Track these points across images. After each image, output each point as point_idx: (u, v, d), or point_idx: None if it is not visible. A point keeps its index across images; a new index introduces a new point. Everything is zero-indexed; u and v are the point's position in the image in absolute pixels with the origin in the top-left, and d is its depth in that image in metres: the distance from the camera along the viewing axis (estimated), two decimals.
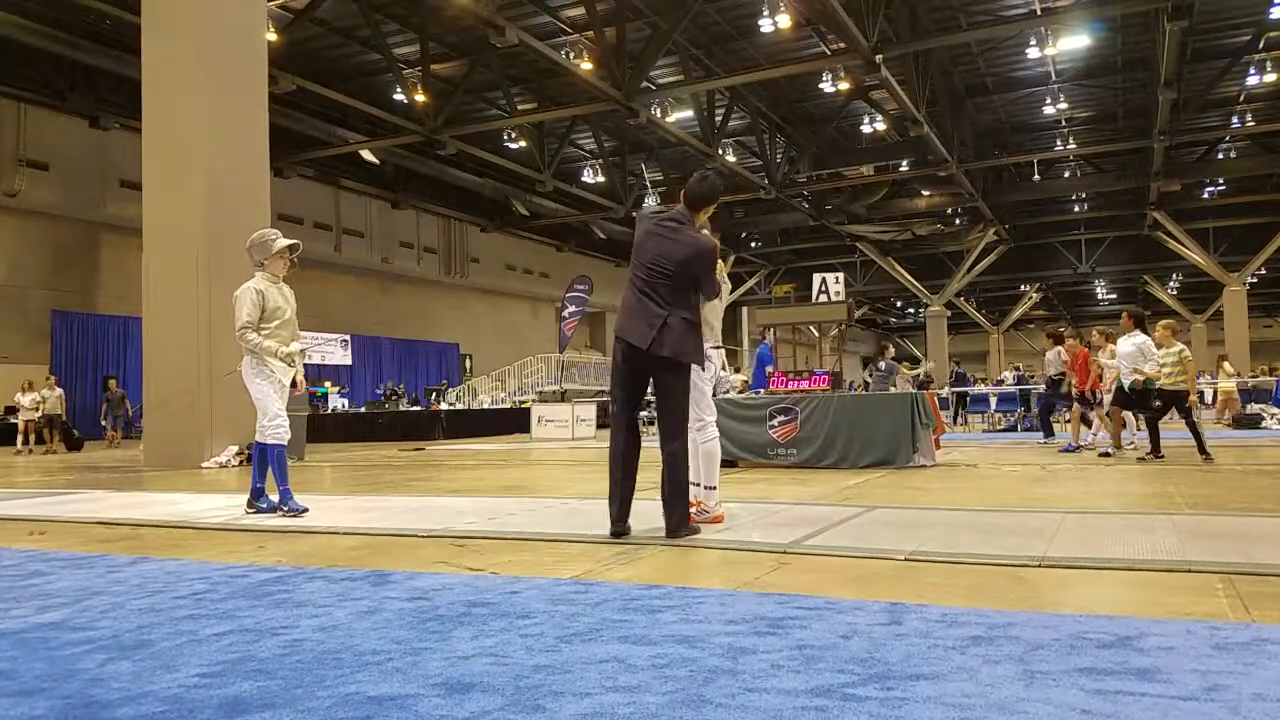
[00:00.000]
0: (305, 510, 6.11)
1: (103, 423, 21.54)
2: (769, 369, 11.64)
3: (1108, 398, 11.13)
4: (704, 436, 5.36)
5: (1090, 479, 8.05)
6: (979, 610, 3.03)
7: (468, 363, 36.22)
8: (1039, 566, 3.81)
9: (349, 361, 30.98)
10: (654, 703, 2.15)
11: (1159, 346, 9.91)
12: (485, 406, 28.26)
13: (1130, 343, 10.00)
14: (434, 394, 27.28)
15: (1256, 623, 2.83)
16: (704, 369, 5.09)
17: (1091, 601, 3.22)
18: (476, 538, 5.01)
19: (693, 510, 5.31)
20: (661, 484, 4.73)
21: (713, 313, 5.49)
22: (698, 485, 5.39)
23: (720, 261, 5.46)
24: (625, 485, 4.78)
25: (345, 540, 5.13)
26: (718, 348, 5.55)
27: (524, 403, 27.63)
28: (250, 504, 6.35)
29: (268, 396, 6.22)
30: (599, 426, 22.12)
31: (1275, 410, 17.98)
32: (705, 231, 5.03)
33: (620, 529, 4.73)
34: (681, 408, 4.79)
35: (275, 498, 6.27)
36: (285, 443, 6.29)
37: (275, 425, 6.22)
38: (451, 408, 25.77)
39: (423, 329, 34.34)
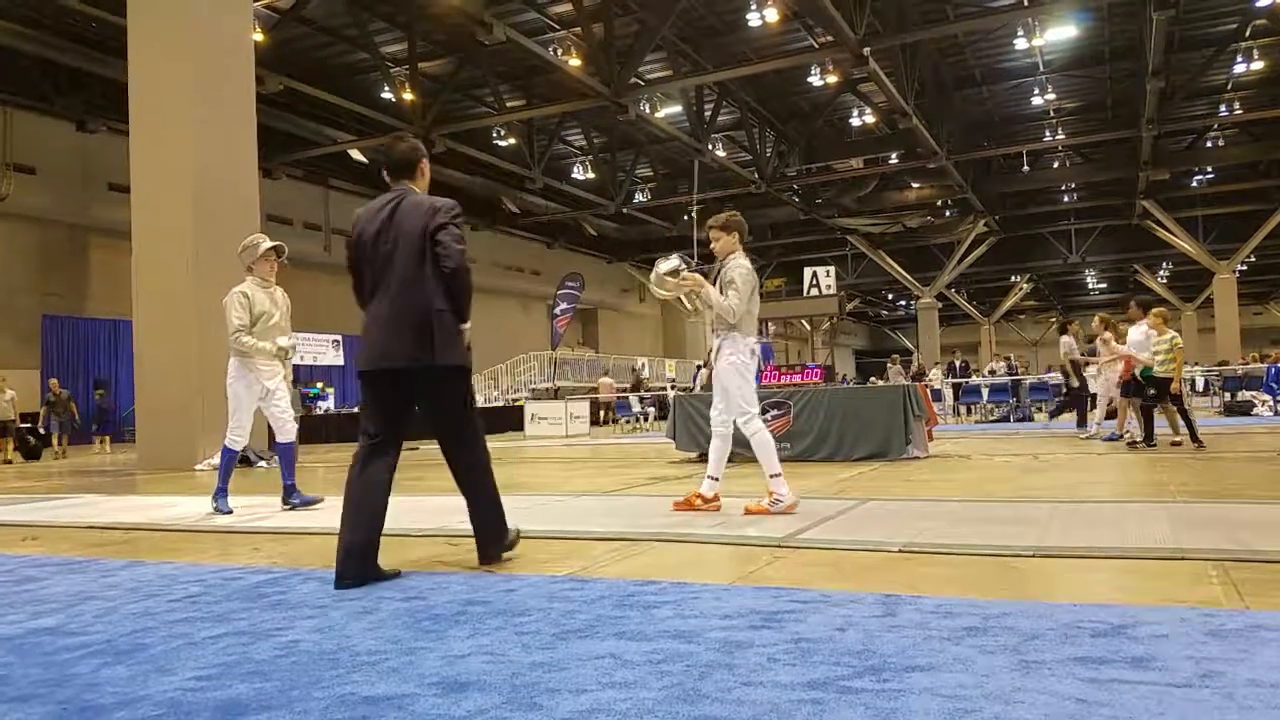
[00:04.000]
0: (230, 512, 6.36)
1: (41, 430, 19.20)
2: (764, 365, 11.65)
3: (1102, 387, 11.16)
4: (751, 429, 5.38)
5: (1083, 468, 8.08)
6: (974, 601, 3.04)
7: None
8: (1033, 556, 3.82)
9: (341, 362, 30.89)
10: (650, 698, 2.15)
11: (1152, 334, 9.97)
12: (478, 405, 28.21)
13: (1140, 331, 10.06)
14: None
15: (1250, 609, 2.84)
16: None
17: (1085, 590, 3.23)
18: (471, 536, 5.00)
19: (765, 501, 5.31)
20: (479, 507, 4.06)
21: (754, 304, 5.48)
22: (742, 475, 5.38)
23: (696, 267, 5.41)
24: (374, 523, 3.84)
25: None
26: (754, 336, 5.51)
27: (517, 401, 27.62)
28: (285, 501, 6.61)
29: (237, 400, 6.49)
30: (592, 424, 22.15)
31: (1266, 397, 18.06)
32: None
33: (358, 575, 3.72)
34: (469, 416, 4.13)
35: (310, 495, 6.67)
36: (238, 450, 6.61)
37: (239, 431, 6.52)
38: None
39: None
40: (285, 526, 5.70)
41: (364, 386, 3.99)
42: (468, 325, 4.06)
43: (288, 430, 6.67)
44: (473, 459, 4.06)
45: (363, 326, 3.97)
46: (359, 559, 3.72)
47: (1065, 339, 14.34)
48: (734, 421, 5.53)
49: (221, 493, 6.45)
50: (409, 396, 3.98)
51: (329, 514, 6.24)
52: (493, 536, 4.11)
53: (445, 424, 4.04)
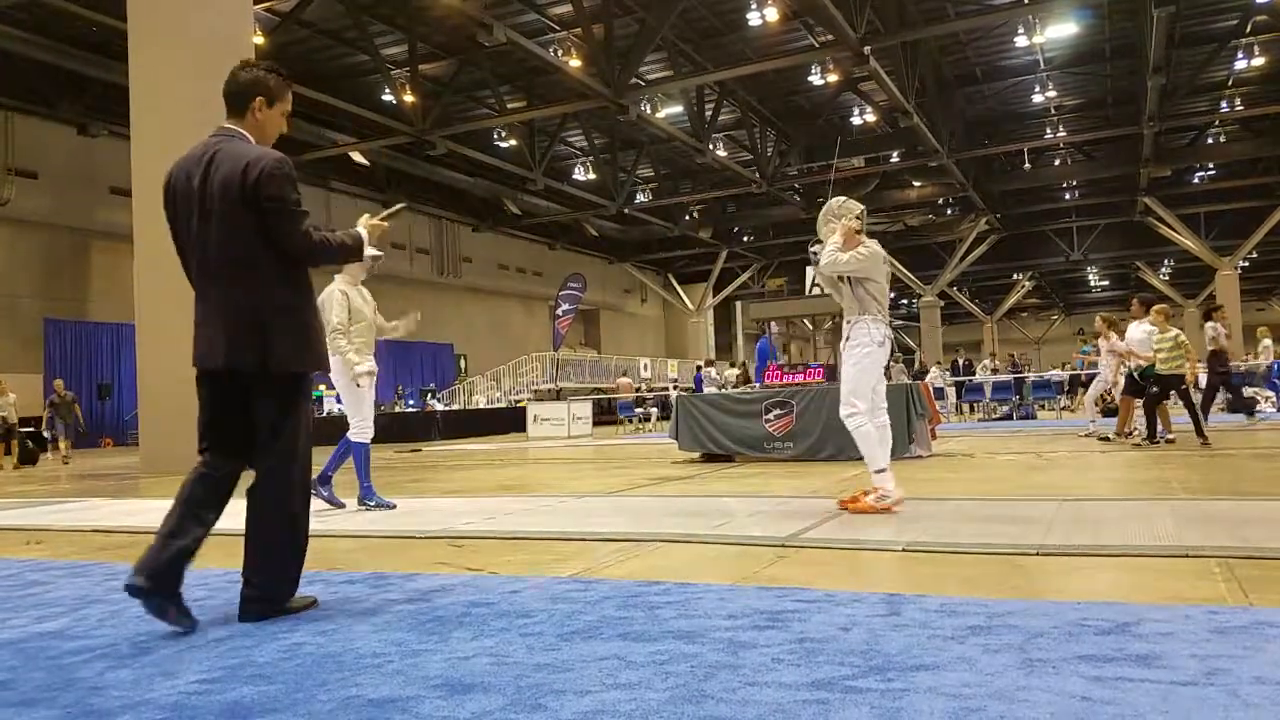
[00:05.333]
0: (394, 506, 6.52)
1: (45, 433, 18.64)
2: (771, 363, 11.66)
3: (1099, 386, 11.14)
4: (852, 423, 5.30)
5: (1086, 466, 8.07)
6: (977, 600, 3.04)
7: (463, 363, 36.19)
8: (1036, 555, 3.82)
9: None
10: (655, 699, 2.15)
11: (1155, 332, 9.96)
12: (481, 406, 28.26)
13: (1141, 330, 10.04)
14: (427, 395, 27.28)
15: (1255, 606, 2.84)
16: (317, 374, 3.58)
17: (1089, 588, 3.23)
18: (475, 538, 5.01)
19: (871, 499, 5.23)
20: (259, 544, 3.20)
21: (880, 292, 5.38)
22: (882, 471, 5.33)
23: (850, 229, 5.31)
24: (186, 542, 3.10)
25: (343, 543, 5.12)
26: (887, 323, 5.41)
27: (519, 402, 27.64)
28: (361, 503, 6.61)
29: (358, 397, 6.50)
30: (595, 424, 22.15)
31: (1269, 393, 18.03)
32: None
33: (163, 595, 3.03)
34: (296, 440, 3.27)
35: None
36: (368, 441, 6.64)
37: (365, 425, 6.56)
38: (447, 408, 25.74)
39: (417, 330, 34.25)
40: None
41: (197, 386, 3.28)
42: (362, 233, 3.39)
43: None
44: (287, 487, 3.25)
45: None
46: (150, 577, 2.99)
47: (1211, 325, 13.15)
48: (884, 410, 5.48)
49: (369, 490, 6.56)
50: (239, 402, 3.22)
51: (330, 517, 6.26)
52: (283, 578, 3.24)
53: (268, 436, 3.24)
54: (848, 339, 5.39)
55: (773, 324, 12.71)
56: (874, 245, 5.42)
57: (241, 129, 3.26)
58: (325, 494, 6.62)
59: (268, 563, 3.21)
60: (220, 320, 3.14)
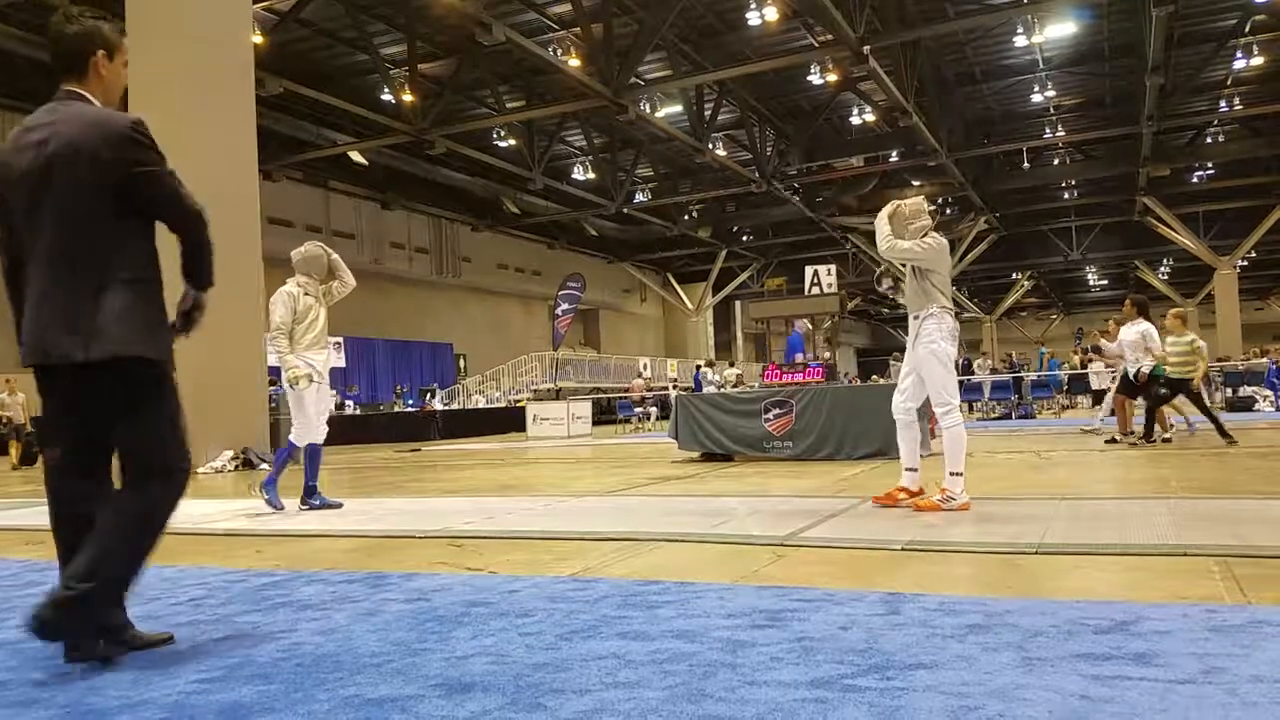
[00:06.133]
0: (340, 505, 6.60)
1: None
2: (799, 358, 11.66)
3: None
4: (949, 421, 5.26)
5: (1085, 465, 8.08)
6: (976, 598, 3.04)
7: (462, 362, 36.18)
8: (1035, 553, 3.82)
9: (343, 364, 30.88)
10: (654, 698, 2.15)
11: (1169, 334, 9.96)
12: (481, 406, 28.27)
13: (1134, 330, 10.04)
14: (427, 394, 27.29)
15: (1253, 605, 2.84)
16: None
17: (1088, 587, 3.23)
18: (474, 537, 5.01)
19: (938, 498, 5.21)
20: (96, 549, 2.63)
21: (944, 284, 5.37)
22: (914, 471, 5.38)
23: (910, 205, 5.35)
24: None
25: (343, 543, 5.13)
26: (953, 315, 5.39)
27: (519, 402, 27.66)
28: (304, 501, 6.61)
29: (298, 398, 6.46)
30: (594, 424, 22.15)
31: (1268, 392, 18.06)
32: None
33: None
34: (161, 430, 2.80)
35: (332, 499, 6.76)
36: (316, 443, 6.59)
37: (307, 427, 6.49)
38: (446, 408, 25.76)
39: (416, 329, 34.28)
40: (288, 529, 5.71)
41: (38, 387, 2.87)
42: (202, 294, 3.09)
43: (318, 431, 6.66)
44: (151, 489, 2.75)
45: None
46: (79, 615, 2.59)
47: None
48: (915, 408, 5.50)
49: (312, 490, 6.58)
50: (84, 394, 2.76)
51: (329, 517, 6.26)
52: (86, 606, 2.57)
53: (125, 432, 2.77)
54: (918, 335, 5.33)
55: (797, 322, 12.72)
56: (941, 238, 5.44)
57: (83, 90, 2.80)
58: (317, 503, 6.62)
59: (97, 571, 2.61)
60: (49, 307, 2.70)
